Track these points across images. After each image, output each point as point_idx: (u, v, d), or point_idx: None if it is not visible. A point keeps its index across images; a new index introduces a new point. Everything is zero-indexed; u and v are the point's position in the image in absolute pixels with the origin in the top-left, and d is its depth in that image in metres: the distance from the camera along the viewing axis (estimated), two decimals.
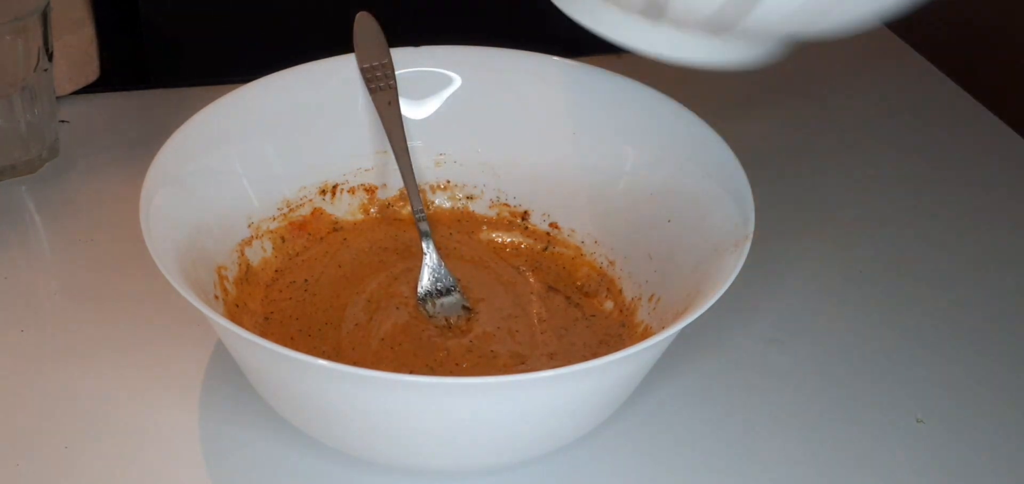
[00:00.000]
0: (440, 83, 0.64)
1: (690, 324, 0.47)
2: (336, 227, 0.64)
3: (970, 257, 0.67)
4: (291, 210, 0.62)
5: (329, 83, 0.63)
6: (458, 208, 0.65)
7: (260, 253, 0.60)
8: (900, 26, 0.92)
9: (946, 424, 0.56)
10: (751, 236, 0.51)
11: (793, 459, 0.54)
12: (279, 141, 0.61)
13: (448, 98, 0.64)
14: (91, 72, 0.78)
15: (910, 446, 0.55)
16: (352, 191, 0.64)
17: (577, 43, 0.87)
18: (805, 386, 0.58)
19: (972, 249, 0.68)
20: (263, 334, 0.54)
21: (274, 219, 0.61)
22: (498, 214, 0.65)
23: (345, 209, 0.64)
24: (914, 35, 0.91)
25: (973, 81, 0.85)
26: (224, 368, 0.57)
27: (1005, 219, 0.70)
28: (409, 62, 0.65)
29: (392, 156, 0.63)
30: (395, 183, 0.65)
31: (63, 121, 0.75)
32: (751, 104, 0.81)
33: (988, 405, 0.57)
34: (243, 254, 0.59)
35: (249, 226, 0.60)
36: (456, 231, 0.64)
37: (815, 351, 0.60)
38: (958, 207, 0.71)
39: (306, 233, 0.62)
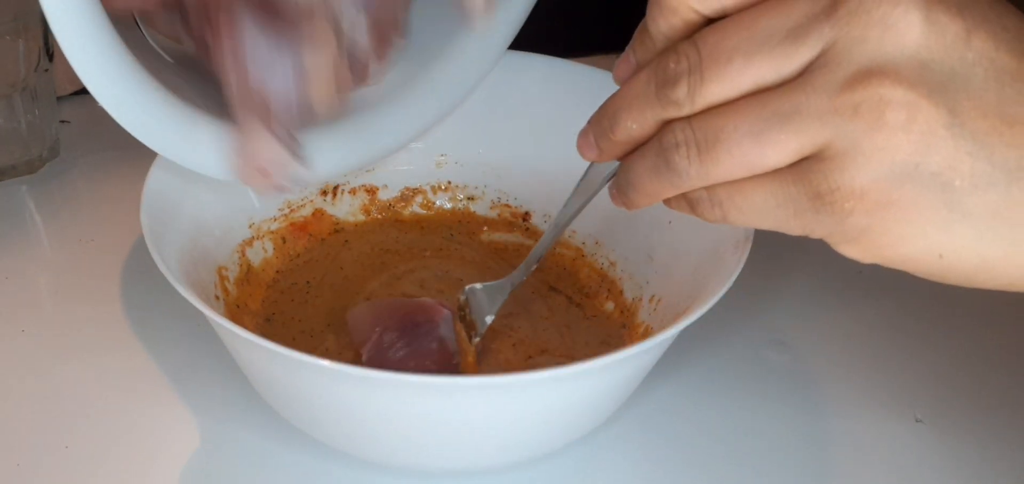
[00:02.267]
0: None
1: (690, 324, 0.47)
2: (337, 228, 0.63)
3: None
4: (292, 211, 0.62)
5: None
6: (459, 209, 0.65)
7: (261, 254, 0.60)
8: None
9: (945, 424, 0.56)
10: (751, 237, 0.51)
11: (792, 459, 0.54)
12: None
13: None
14: None
15: (909, 445, 0.55)
16: (353, 192, 0.64)
17: (575, 44, 0.87)
18: (804, 386, 0.58)
19: None
20: (264, 335, 0.54)
21: (275, 220, 0.61)
22: (499, 215, 0.65)
23: (346, 210, 0.64)
24: None
25: None
26: (225, 368, 0.57)
27: None
28: None
29: (394, 157, 0.63)
30: (396, 183, 0.65)
31: (64, 121, 0.75)
32: None
33: (987, 405, 0.57)
34: (244, 255, 0.59)
35: (250, 226, 0.60)
36: (457, 232, 0.64)
37: (814, 351, 0.60)
38: None
39: (307, 234, 0.62)
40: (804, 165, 0.37)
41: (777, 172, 0.37)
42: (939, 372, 0.59)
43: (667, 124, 0.39)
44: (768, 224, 0.39)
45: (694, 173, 0.38)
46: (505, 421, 0.48)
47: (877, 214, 0.37)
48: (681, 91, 0.38)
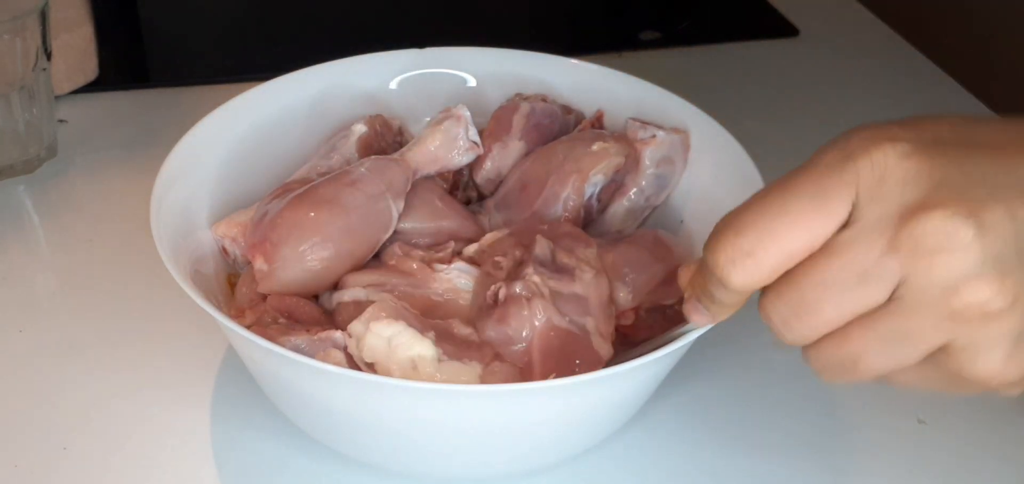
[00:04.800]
0: (453, 84, 0.64)
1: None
2: None
3: None
4: None
5: (341, 84, 0.63)
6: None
7: None
8: (913, 33, 0.92)
9: (947, 425, 0.56)
10: None
11: (798, 459, 0.54)
12: (290, 143, 0.61)
13: (462, 99, 0.64)
14: (90, 71, 0.78)
15: (912, 446, 0.55)
16: None
17: (576, 43, 0.87)
18: (809, 388, 0.58)
19: None
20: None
21: None
22: None
23: None
24: (928, 45, 0.91)
25: (984, 87, 0.85)
26: (227, 371, 0.57)
27: None
28: (418, 64, 0.65)
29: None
30: None
31: (61, 120, 0.74)
32: (754, 106, 0.81)
33: (989, 406, 0.57)
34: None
35: None
36: None
37: None
38: None
39: None
40: (938, 357, 0.39)
41: (919, 364, 0.39)
42: None
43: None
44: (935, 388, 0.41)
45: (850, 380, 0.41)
46: (515, 430, 0.47)
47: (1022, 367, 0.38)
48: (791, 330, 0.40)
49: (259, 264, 0.52)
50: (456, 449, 0.48)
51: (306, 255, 0.52)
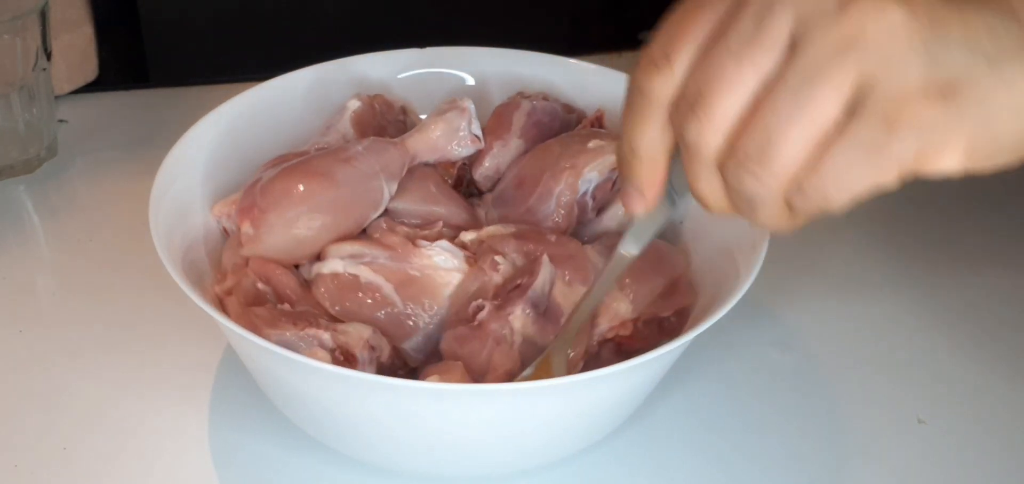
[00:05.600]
0: (454, 83, 0.64)
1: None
2: None
3: (971, 260, 0.67)
4: None
5: (342, 84, 0.63)
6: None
7: None
8: None
9: (947, 425, 0.56)
10: (768, 235, 0.50)
11: (797, 459, 0.54)
12: (290, 142, 0.61)
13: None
14: (90, 71, 0.78)
15: (912, 446, 0.55)
16: None
17: (576, 43, 0.87)
18: (809, 388, 0.58)
19: (973, 252, 0.68)
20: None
21: None
22: None
23: None
24: None
25: None
26: (227, 370, 0.57)
27: (1006, 222, 0.70)
28: (419, 63, 0.65)
29: None
30: None
31: (62, 120, 0.74)
32: None
33: (989, 406, 0.57)
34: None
35: None
36: None
37: (818, 354, 0.60)
38: (960, 211, 0.71)
39: None
40: (857, 107, 0.36)
41: (841, 129, 0.36)
42: (941, 374, 0.59)
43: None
44: (865, 182, 0.37)
45: (768, 182, 0.38)
46: (514, 428, 0.47)
47: (943, 105, 0.36)
48: (692, 130, 0.38)
49: (246, 228, 0.52)
50: (453, 448, 0.48)
51: (292, 223, 0.52)
